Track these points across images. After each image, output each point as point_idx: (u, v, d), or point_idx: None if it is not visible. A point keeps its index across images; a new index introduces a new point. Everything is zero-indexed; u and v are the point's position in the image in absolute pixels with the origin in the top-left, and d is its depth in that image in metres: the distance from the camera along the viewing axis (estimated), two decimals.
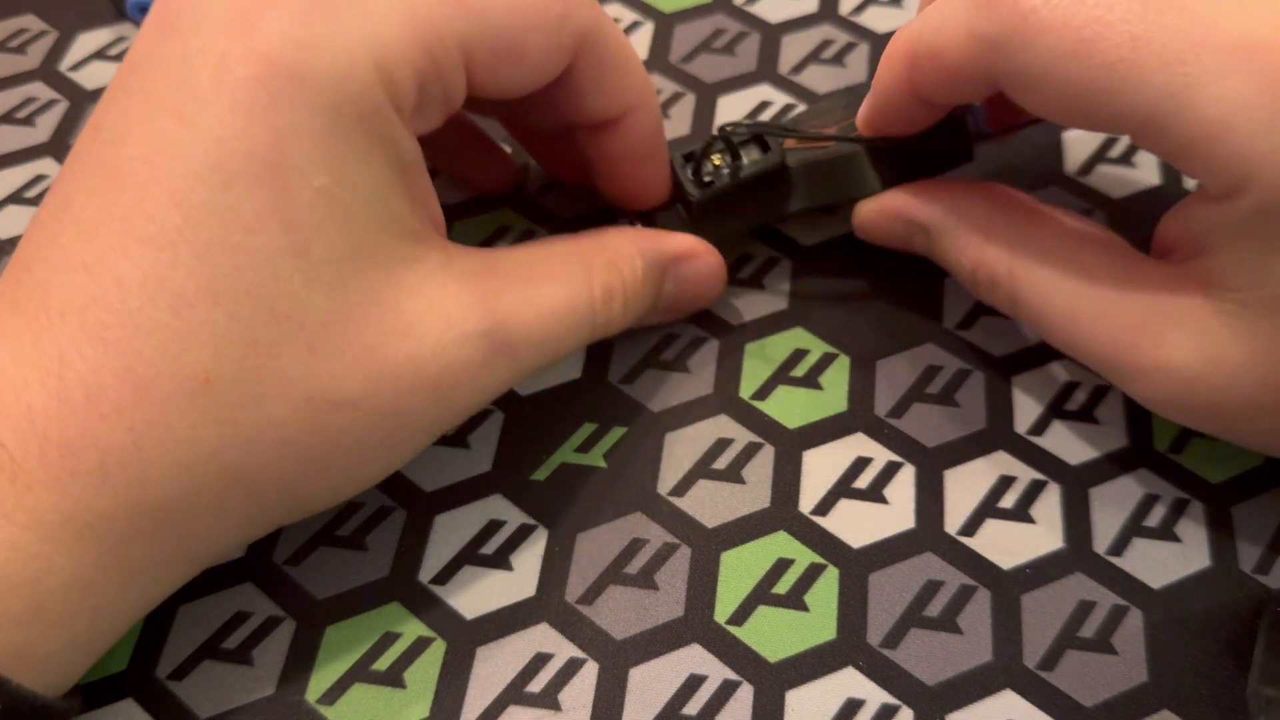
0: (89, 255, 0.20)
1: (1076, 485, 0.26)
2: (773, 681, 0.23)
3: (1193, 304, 0.22)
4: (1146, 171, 0.32)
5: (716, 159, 0.27)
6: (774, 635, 0.24)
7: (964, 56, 0.23)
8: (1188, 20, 0.20)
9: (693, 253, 0.27)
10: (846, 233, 0.29)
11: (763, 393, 0.28)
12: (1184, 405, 0.23)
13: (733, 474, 0.26)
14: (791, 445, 0.27)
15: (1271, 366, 0.21)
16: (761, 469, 0.27)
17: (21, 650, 0.19)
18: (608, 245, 0.26)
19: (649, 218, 0.28)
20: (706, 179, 0.27)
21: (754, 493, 0.26)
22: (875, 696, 0.23)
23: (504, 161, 0.31)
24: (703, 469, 0.27)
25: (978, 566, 0.25)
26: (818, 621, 0.24)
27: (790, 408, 0.28)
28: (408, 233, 0.22)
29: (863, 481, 0.26)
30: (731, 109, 0.34)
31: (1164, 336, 0.23)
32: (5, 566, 0.19)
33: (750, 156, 0.27)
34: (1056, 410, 0.27)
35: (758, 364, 0.28)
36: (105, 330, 0.19)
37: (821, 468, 0.27)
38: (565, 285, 0.24)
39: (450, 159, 0.31)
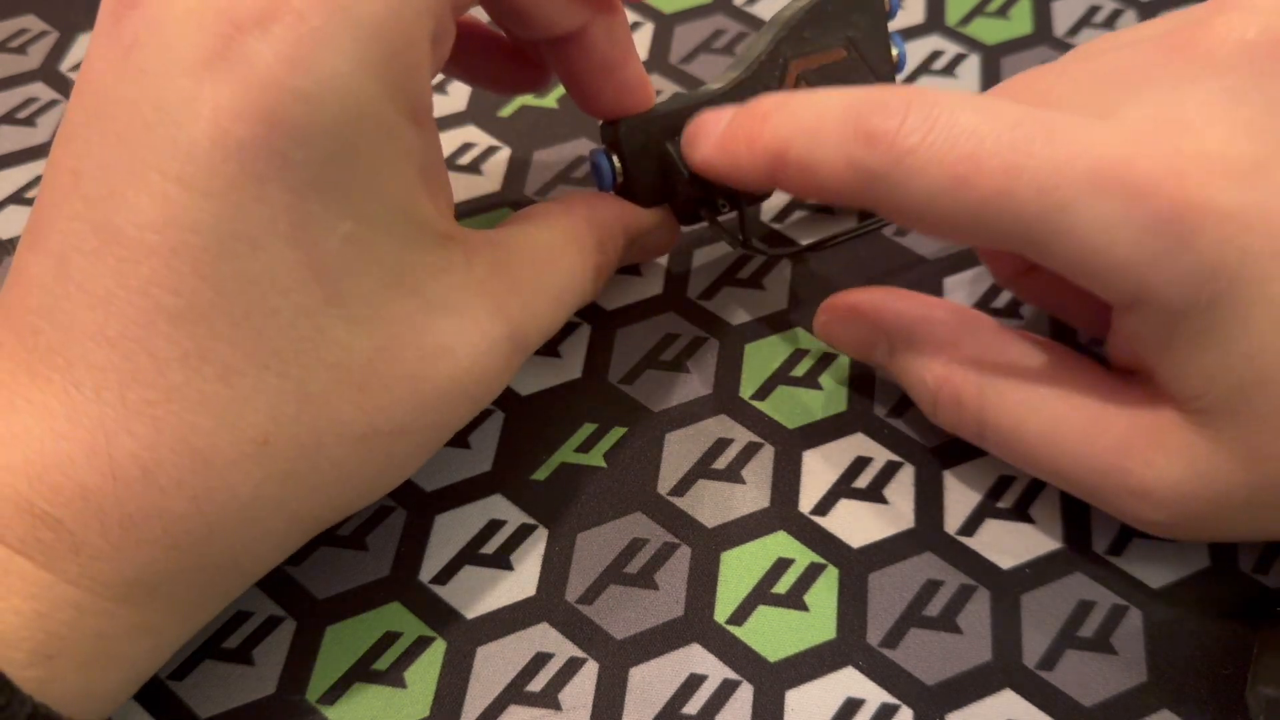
0: (110, 329, 0.19)
1: None
2: (772, 681, 0.23)
3: (1171, 421, 0.22)
4: None
5: None
6: (774, 635, 0.24)
7: (839, 181, 0.22)
8: (1055, 146, 0.20)
9: (659, 225, 0.28)
10: (846, 233, 0.29)
11: (763, 393, 0.28)
12: (1179, 524, 0.22)
13: (733, 474, 0.26)
14: (791, 445, 0.27)
15: (1257, 465, 0.21)
16: (761, 469, 0.27)
17: (84, 693, 0.19)
18: (598, 223, 0.26)
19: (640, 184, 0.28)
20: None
21: (754, 493, 0.26)
22: (875, 696, 0.23)
23: (532, 62, 0.29)
24: (703, 469, 0.27)
25: (977, 566, 0.25)
26: (817, 621, 0.24)
27: (790, 408, 0.28)
28: (434, 238, 0.22)
29: (862, 481, 0.26)
30: None
31: (1151, 458, 0.22)
32: (72, 624, 0.19)
33: None
34: None
35: (758, 364, 0.28)
36: (152, 407, 0.19)
37: (821, 468, 0.27)
38: (566, 272, 0.25)
39: (474, 67, 0.29)
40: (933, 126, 0.21)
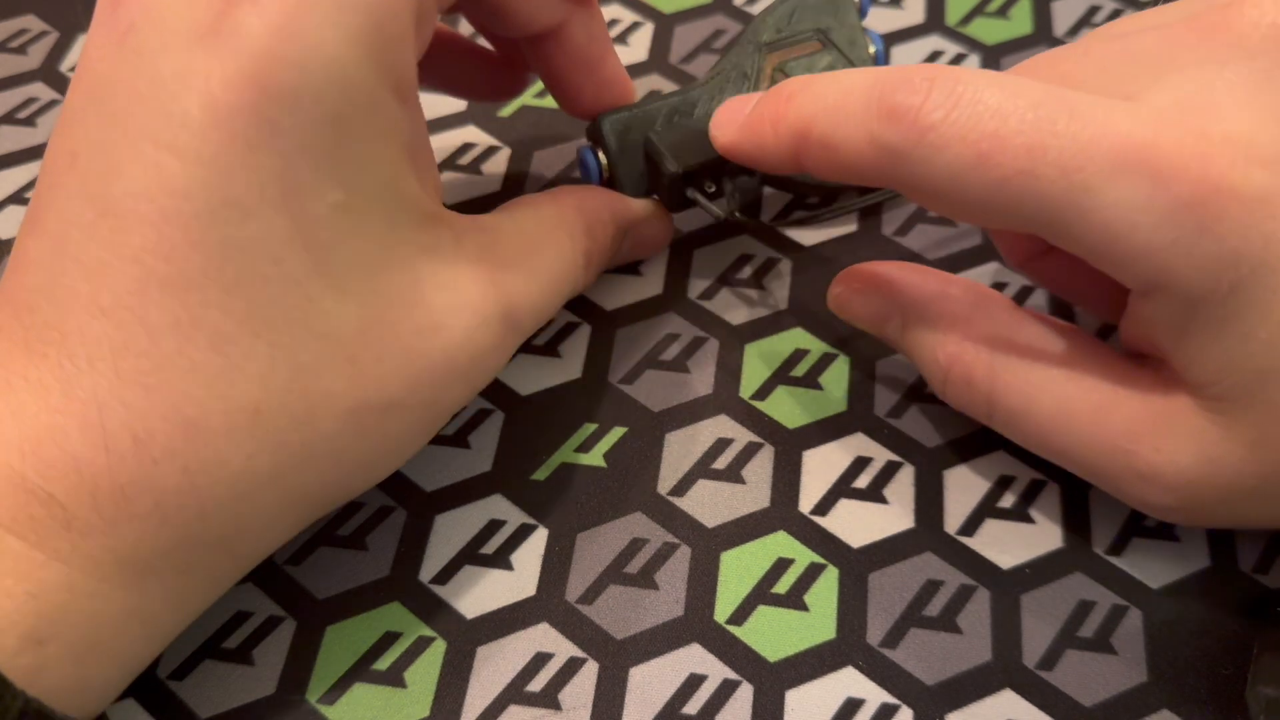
0: (104, 299, 0.19)
1: (1075, 485, 0.26)
2: (772, 681, 0.23)
3: (1183, 406, 0.22)
4: None
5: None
6: (774, 635, 0.24)
7: (861, 159, 0.22)
8: (1079, 125, 0.20)
9: (651, 216, 0.28)
10: (846, 233, 0.29)
11: (763, 393, 0.28)
12: (1186, 509, 0.22)
13: (733, 474, 0.26)
14: (791, 445, 0.27)
15: (1269, 453, 0.21)
16: (761, 469, 0.27)
17: (78, 684, 0.19)
18: (586, 210, 0.26)
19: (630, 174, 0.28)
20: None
21: (754, 493, 0.26)
22: (875, 696, 0.23)
23: (508, 67, 0.29)
24: (703, 469, 0.27)
25: (977, 566, 0.25)
26: (817, 621, 0.24)
27: (790, 408, 0.28)
28: (422, 217, 0.22)
29: (862, 481, 0.26)
30: None
31: (1160, 443, 0.22)
32: (64, 606, 0.19)
33: None
34: None
35: (758, 364, 0.28)
36: (145, 376, 0.19)
37: (821, 468, 0.27)
38: (556, 255, 0.25)
39: (449, 75, 0.29)
40: (956, 103, 0.21)
